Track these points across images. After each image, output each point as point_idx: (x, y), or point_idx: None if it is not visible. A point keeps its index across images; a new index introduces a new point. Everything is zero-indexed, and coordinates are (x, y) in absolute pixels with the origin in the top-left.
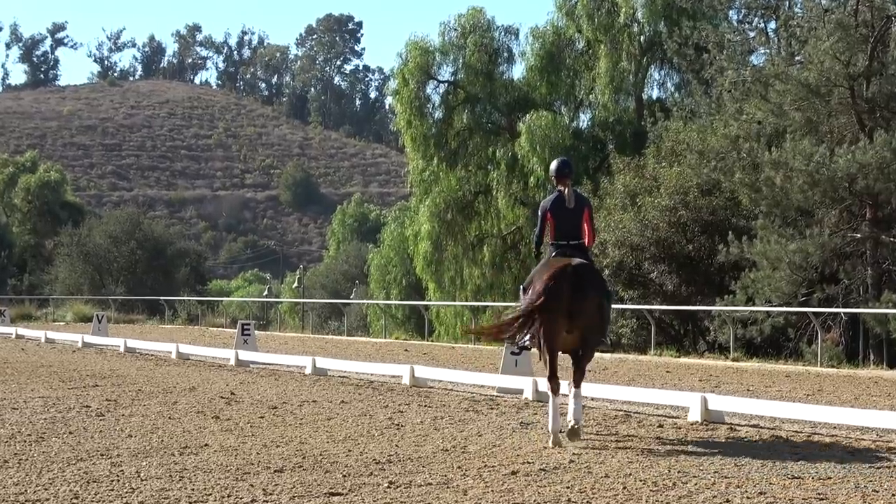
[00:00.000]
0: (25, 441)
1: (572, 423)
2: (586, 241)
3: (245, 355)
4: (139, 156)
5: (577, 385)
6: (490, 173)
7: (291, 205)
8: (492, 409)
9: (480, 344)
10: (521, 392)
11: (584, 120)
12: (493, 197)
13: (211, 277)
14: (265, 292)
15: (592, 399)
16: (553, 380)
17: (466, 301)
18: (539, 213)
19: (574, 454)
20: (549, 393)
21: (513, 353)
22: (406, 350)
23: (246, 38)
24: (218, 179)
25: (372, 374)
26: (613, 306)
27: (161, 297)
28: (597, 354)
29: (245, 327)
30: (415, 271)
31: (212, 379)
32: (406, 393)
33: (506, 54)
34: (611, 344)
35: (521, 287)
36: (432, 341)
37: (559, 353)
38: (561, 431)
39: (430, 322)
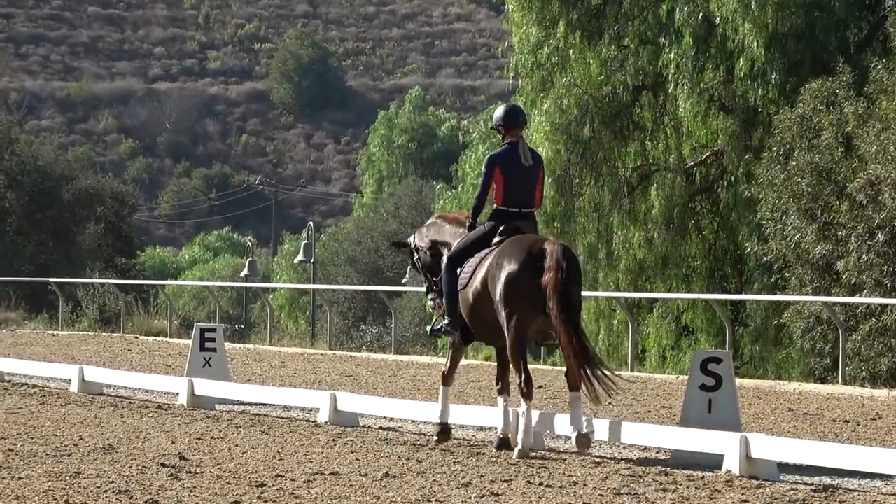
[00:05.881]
0: None
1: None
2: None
3: (207, 387)
4: (11, 16)
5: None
6: (664, 52)
7: (293, 109)
8: (663, 490)
9: (643, 369)
10: (720, 459)
11: None
12: (669, 96)
13: (144, 243)
14: (244, 271)
15: (838, 476)
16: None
17: (619, 289)
18: (484, 170)
19: None
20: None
21: (702, 387)
22: None
23: None
24: (157, 61)
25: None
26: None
27: (52, 280)
28: (860, 391)
29: (207, 336)
30: None
31: (146, 430)
32: (505, 459)
33: None
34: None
35: (449, 263)
36: (554, 363)
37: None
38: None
39: None
